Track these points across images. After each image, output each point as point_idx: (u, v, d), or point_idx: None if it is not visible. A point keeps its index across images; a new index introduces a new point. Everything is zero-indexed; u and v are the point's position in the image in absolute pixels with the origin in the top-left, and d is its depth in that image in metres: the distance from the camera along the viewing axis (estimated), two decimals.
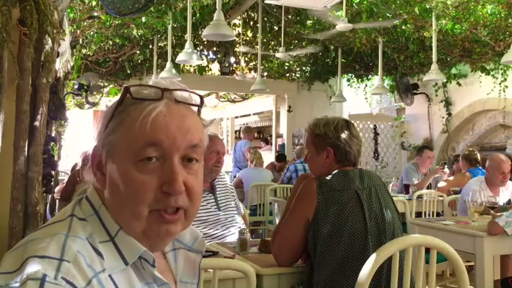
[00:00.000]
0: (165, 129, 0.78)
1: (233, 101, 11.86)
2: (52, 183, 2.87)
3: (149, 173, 0.77)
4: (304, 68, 9.03)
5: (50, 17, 2.50)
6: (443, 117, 8.13)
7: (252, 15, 6.72)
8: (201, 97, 0.85)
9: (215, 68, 8.66)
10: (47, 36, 2.57)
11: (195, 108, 0.85)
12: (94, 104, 7.12)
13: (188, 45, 4.70)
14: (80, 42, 5.38)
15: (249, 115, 13.33)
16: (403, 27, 5.93)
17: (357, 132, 2.12)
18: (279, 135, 9.97)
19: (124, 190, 0.77)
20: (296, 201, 2.00)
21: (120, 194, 0.78)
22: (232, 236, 2.64)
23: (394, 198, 2.23)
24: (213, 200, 2.74)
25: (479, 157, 5.13)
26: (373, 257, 1.68)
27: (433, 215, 4.67)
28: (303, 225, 1.92)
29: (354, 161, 2.08)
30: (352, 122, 2.22)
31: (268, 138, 12.20)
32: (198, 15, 5.48)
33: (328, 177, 1.99)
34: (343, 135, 2.05)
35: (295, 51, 6.96)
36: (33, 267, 0.67)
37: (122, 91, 0.81)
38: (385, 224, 1.92)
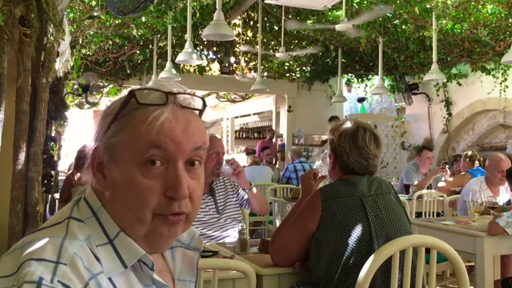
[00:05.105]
0: (170, 134, 0.77)
1: (233, 101, 11.86)
2: (52, 183, 2.86)
3: (153, 178, 0.77)
4: (304, 68, 9.03)
5: (51, 17, 2.50)
6: (443, 117, 8.12)
7: (252, 15, 6.72)
8: (203, 100, 0.85)
9: (215, 68, 8.66)
10: (47, 36, 2.56)
11: (197, 111, 0.85)
12: (94, 104, 7.10)
13: (188, 45, 4.69)
14: (80, 42, 5.37)
15: (249, 115, 13.33)
16: (403, 27, 5.92)
17: (364, 142, 1.97)
18: (279, 135, 9.97)
19: (128, 194, 0.77)
20: (301, 213, 1.99)
21: (123, 198, 0.78)
22: (231, 238, 2.62)
23: None
24: (213, 203, 2.71)
25: (481, 158, 5.15)
26: (372, 258, 1.67)
27: (433, 215, 4.66)
28: (305, 237, 1.92)
29: (357, 171, 1.99)
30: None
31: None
32: (198, 15, 5.48)
33: (331, 185, 2.00)
34: (344, 144, 1.99)
35: (295, 51, 6.95)
36: (30, 271, 0.67)
37: (127, 95, 0.80)
38: (395, 230, 1.90)
